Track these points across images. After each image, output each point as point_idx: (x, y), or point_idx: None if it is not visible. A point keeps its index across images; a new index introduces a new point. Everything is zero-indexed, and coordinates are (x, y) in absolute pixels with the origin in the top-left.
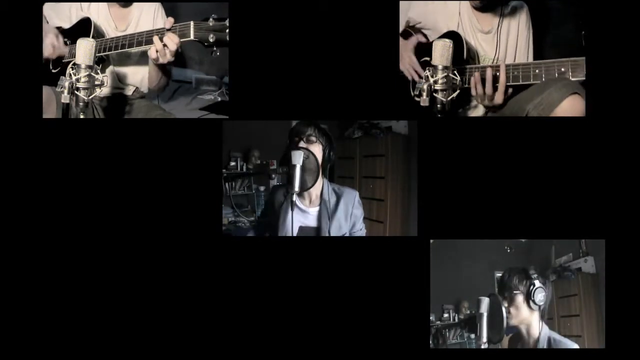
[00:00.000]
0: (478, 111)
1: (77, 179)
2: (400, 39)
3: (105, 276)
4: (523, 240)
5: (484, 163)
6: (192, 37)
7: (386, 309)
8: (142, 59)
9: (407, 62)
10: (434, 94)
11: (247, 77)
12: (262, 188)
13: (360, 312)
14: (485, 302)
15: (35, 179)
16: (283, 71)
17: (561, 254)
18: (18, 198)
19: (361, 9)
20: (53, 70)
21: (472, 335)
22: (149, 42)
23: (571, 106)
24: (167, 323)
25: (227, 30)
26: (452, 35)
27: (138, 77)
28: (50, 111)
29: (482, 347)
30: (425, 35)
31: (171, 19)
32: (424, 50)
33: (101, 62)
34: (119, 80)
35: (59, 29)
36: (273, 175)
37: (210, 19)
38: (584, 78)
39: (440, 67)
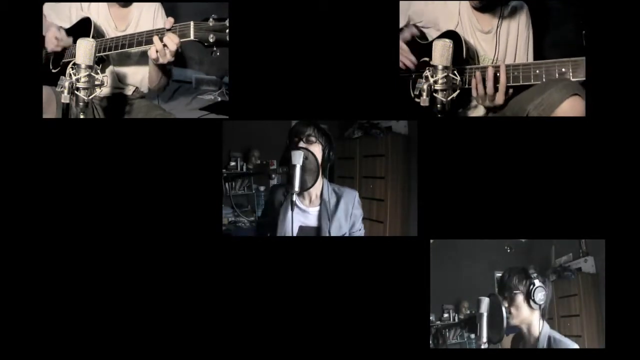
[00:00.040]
0: (478, 111)
1: (77, 179)
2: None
3: (105, 276)
4: (523, 240)
5: (484, 163)
6: (192, 37)
7: (386, 309)
8: (142, 59)
9: (402, 55)
10: (434, 94)
11: (247, 77)
12: (262, 188)
13: (360, 312)
14: (485, 302)
15: (35, 179)
16: (283, 71)
17: (561, 254)
18: (18, 198)
19: (361, 9)
20: (53, 70)
21: (472, 335)
22: (149, 42)
23: (571, 107)
24: (167, 323)
25: (227, 31)
26: (452, 35)
27: (138, 77)
28: (50, 111)
29: (482, 347)
30: (419, 29)
31: (171, 19)
32: (423, 50)
33: (101, 62)
34: (119, 80)
35: (59, 28)
36: (273, 175)
37: (210, 19)
38: (584, 78)
39: (440, 67)
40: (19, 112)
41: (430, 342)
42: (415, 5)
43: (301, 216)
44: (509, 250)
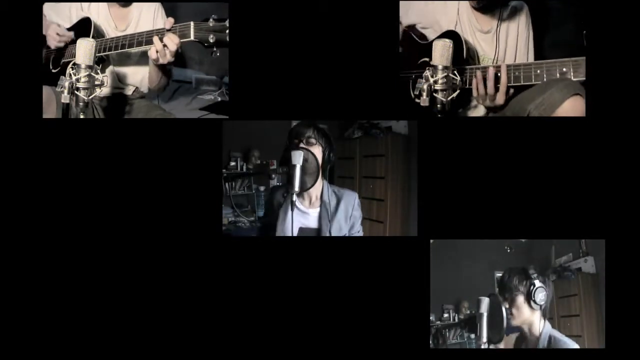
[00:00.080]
0: (478, 111)
1: (77, 179)
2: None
3: (105, 276)
4: (523, 240)
5: (484, 163)
6: (192, 38)
7: (386, 309)
8: (142, 59)
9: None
10: (434, 94)
11: (247, 77)
12: (262, 188)
13: (360, 312)
14: (485, 302)
15: (35, 179)
16: (283, 71)
17: (561, 254)
18: (18, 198)
19: (361, 9)
20: (53, 70)
21: (472, 335)
22: (149, 42)
23: (572, 107)
24: (167, 323)
25: (227, 31)
26: (451, 35)
27: (138, 77)
28: (50, 111)
29: (482, 347)
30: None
31: (171, 20)
32: (423, 50)
33: (101, 62)
34: (119, 80)
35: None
36: (273, 175)
37: (211, 20)
38: (585, 78)
39: (440, 67)
40: (19, 112)
41: (430, 342)
42: (414, 6)
43: (301, 217)
44: (509, 250)
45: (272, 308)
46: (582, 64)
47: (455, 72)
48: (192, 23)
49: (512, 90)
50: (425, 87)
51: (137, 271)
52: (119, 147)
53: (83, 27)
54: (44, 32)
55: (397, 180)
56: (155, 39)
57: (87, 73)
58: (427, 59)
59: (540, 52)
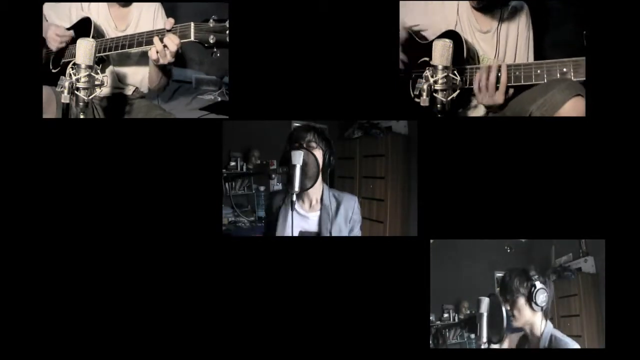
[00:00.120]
0: (478, 111)
1: (77, 179)
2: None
3: (105, 276)
4: (523, 240)
5: (484, 163)
6: (192, 38)
7: (386, 309)
8: (142, 59)
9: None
10: (434, 94)
11: (247, 77)
12: (262, 188)
13: (360, 312)
14: (485, 302)
15: (35, 179)
16: (283, 71)
17: (561, 254)
18: (18, 198)
19: (361, 10)
20: (53, 70)
21: (472, 335)
22: (149, 42)
23: (574, 108)
24: (167, 323)
25: (227, 32)
26: (452, 35)
27: (138, 77)
28: (50, 111)
29: (482, 347)
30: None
31: (171, 20)
32: (423, 51)
33: (101, 62)
34: (119, 80)
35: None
36: (273, 175)
37: (211, 20)
38: (585, 78)
39: (440, 67)
40: (19, 112)
41: (430, 342)
42: (414, 6)
43: (301, 221)
44: (509, 250)
45: (272, 308)
46: (582, 64)
47: (455, 72)
48: (192, 24)
49: (511, 90)
50: (425, 87)
51: (137, 271)
52: (119, 147)
53: (83, 27)
54: (43, 35)
55: (397, 180)
56: (156, 39)
57: (87, 73)
58: (427, 59)
59: (540, 52)
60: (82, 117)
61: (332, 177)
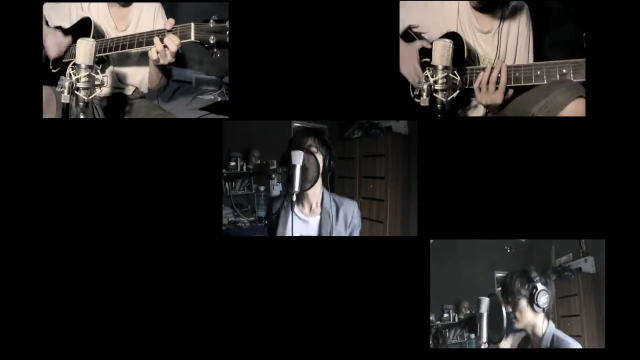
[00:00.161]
0: (478, 111)
1: (77, 179)
2: (402, 41)
3: (105, 276)
4: (523, 240)
5: (484, 163)
6: (192, 39)
7: (386, 309)
8: (142, 59)
9: (411, 69)
10: (434, 94)
11: (247, 77)
12: (262, 188)
13: (360, 312)
14: (485, 302)
15: (35, 179)
16: (283, 71)
17: (561, 254)
18: (18, 198)
19: (361, 10)
20: (53, 70)
21: (472, 335)
22: (150, 42)
23: (576, 110)
24: (167, 323)
25: (227, 32)
26: (452, 36)
27: (138, 77)
28: (50, 111)
29: (482, 347)
30: (428, 41)
31: (172, 20)
32: (424, 52)
33: (101, 62)
34: (119, 80)
35: (59, 28)
36: (273, 175)
37: (211, 21)
38: (585, 79)
39: (440, 67)
40: (19, 112)
41: (430, 342)
42: (415, 6)
43: (301, 226)
44: (509, 250)
45: (272, 308)
46: (582, 65)
47: (455, 72)
48: (192, 24)
49: (511, 91)
50: (425, 87)
51: (137, 271)
52: (119, 147)
53: (83, 27)
54: (43, 42)
55: (397, 180)
56: (156, 39)
57: (87, 73)
58: (427, 59)
59: (540, 52)
60: (82, 117)
61: (332, 181)
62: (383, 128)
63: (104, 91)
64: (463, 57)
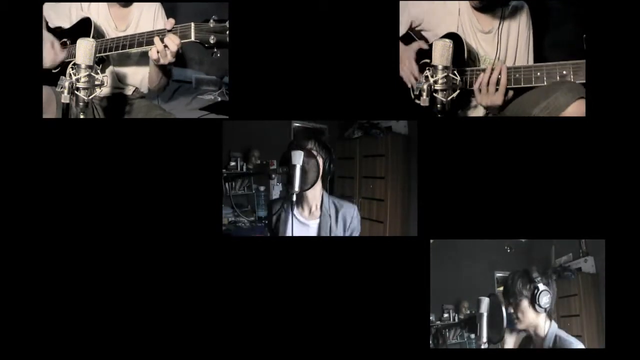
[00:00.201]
0: (478, 111)
1: (77, 179)
2: (401, 43)
3: (105, 276)
4: (523, 240)
5: (484, 163)
6: (192, 39)
7: (386, 309)
8: (142, 59)
9: (407, 69)
10: (434, 94)
11: (247, 77)
12: (262, 188)
13: (360, 312)
14: (485, 302)
15: (35, 179)
16: (283, 71)
17: (561, 254)
18: (18, 198)
19: (361, 10)
20: (53, 71)
21: (472, 335)
22: (150, 42)
23: (577, 111)
24: (167, 323)
25: (227, 32)
26: (453, 37)
27: (138, 77)
28: (50, 111)
29: (482, 347)
30: (427, 41)
31: (172, 20)
32: (424, 55)
33: (101, 62)
34: (119, 80)
35: (59, 28)
36: (273, 175)
37: (211, 21)
38: (584, 80)
39: (440, 67)
40: (19, 112)
41: (430, 342)
42: (416, 6)
43: (301, 229)
44: (509, 250)
45: (272, 308)
46: (582, 66)
47: (455, 72)
48: (192, 24)
49: (511, 92)
50: (425, 87)
51: (137, 271)
52: (119, 147)
53: (83, 28)
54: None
55: (397, 180)
56: (156, 39)
57: (87, 73)
58: (427, 60)
59: (540, 52)
60: (82, 117)
61: (332, 184)
62: (383, 128)
63: (104, 91)
64: (463, 57)
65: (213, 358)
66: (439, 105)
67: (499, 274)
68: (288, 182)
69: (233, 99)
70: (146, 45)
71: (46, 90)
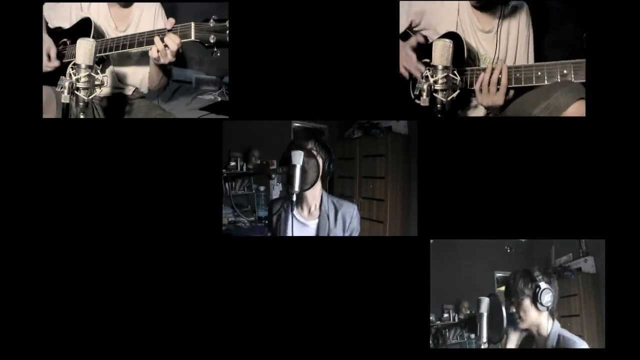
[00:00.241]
0: (478, 111)
1: (77, 179)
2: (400, 40)
3: (105, 276)
4: (523, 240)
5: (484, 163)
6: (193, 38)
7: (386, 309)
8: (143, 59)
9: (404, 59)
10: (434, 94)
11: (247, 77)
12: (262, 188)
13: (360, 312)
14: (485, 302)
15: (35, 179)
16: (283, 71)
17: (561, 254)
18: (18, 198)
19: (361, 9)
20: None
21: (472, 335)
22: (150, 42)
23: (578, 112)
24: (167, 323)
25: (228, 32)
26: (453, 36)
27: (138, 77)
28: (50, 111)
29: (482, 347)
30: (424, 37)
31: (172, 20)
32: (424, 51)
33: (101, 62)
34: (119, 80)
35: (59, 29)
36: (273, 175)
37: (211, 20)
38: (585, 80)
39: (440, 67)
40: (19, 112)
41: (430, 342)
42: (415, 5)
43: (300, 229)
44: (509, 250)
45: (272, 308)
46: (583, 66)
47: (455, 72)
48: (192, 23)
49: (512, 92)
50: (425, 87)
51: (137, 271)
52: (119, 147)
53: (83, 28)
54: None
55: (397, 180)
56: (157, 38)
57: (87, 73)
58: (427, 60)
59: (540, 52)
60: (82, 117)
61: (331, 184)
62: (383, 128)
63: (104, 91)
64: (463, 57)
65: (213, 358)
66: (439, 105)
67: (499, 274)
68: (288, 182)
69: (233, 99)
70: (146, 44)
71: (46, 90)
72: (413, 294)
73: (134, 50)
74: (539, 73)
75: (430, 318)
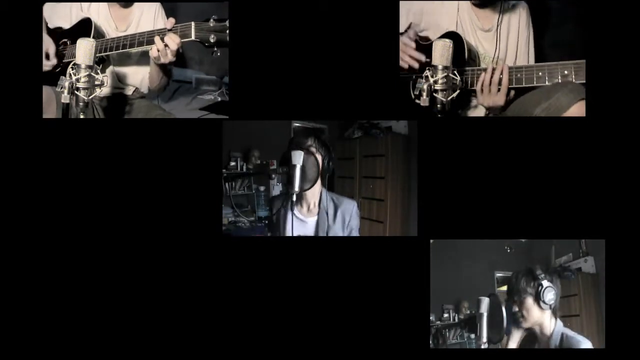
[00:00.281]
0: (478, 111)
1: (77, 179)
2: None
3: (105, 276)
4: (523, 240)
5: (484, 163)
6: (193, 38)
7: (386, 309)
8: (143, 59)
9: (402, 49)
10: (434, 94)
11: (247, 77)
12: (262, 188)
13: (360, 312)
14: (485, 302)
15: (35, 179)
16: (283, 71)
17: (561, 254)
18: (18, 198)
19: (361, 9)
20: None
21: (472, 335)
22: (150, 42)
23: (579, 112)
24: (167, 323)
25: (228, 31)
26: (453, 36)
27: (138, 77)
28: (50, 111)
29: (482, 347)
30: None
31: (172, 20)
32: (423, 48)
33: (101, 62)
34: (119, 80)
35: (59, 29)
36: (273, 175)
37: (211, 20)
38: (585, 80)
39: (440, 67)
40: (19, 112)
41: (430, 342)
42: (415, 5)
43: (299, 226)
44: (509, 250)
45: (272, 308)
46: (583, 66)
47: (455, 72)
48: (193, 23)
49: (512, 92)
50: (425, 87)
51: (137, 271)
52: (119, 147)
53: (83, 28)
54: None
55: (397, 180)
56: (157, 38)
57: (87, 73)
58: (427, 60)
59: (540, 52)
60: (82, 117)
61: (331, 181)
62: (383, 128)
63: (104, 91)
64: (463, 57)
65: (213, 358)
66: (439, 105)
67: (499, 274)
68: (288, 182)
69: (233, 99)
70: (146, 44)
71: (46, 90)
72: (413, 294)
73: (134, 50)
74: (540, 73)
75: (430, 318)
